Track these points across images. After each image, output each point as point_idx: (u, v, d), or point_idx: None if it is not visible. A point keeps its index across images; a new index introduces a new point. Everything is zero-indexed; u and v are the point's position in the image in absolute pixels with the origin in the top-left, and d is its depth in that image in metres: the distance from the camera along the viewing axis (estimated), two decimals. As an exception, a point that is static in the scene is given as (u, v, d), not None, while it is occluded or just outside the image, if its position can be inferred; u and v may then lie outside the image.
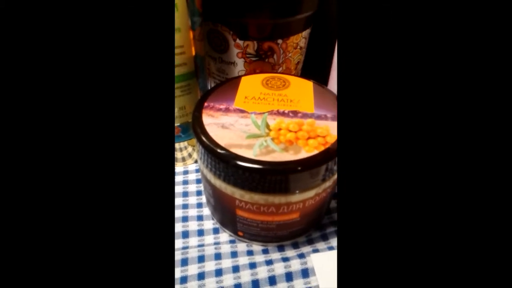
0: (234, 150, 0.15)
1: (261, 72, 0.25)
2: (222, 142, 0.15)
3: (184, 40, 0.18)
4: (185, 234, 0.20)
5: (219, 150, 0.15)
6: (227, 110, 0.18)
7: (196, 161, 0.26)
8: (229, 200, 0.17)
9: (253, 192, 0.16)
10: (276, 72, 0.25)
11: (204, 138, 0.16)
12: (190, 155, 0.25)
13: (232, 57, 0.23)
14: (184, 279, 0.18)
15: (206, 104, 0.18)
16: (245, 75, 0.21)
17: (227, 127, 0.16)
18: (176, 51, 0.18)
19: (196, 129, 0.16)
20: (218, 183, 0.17)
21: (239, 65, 0.24)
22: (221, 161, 0.15)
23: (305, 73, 0.29)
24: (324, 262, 0.18)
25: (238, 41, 0.22)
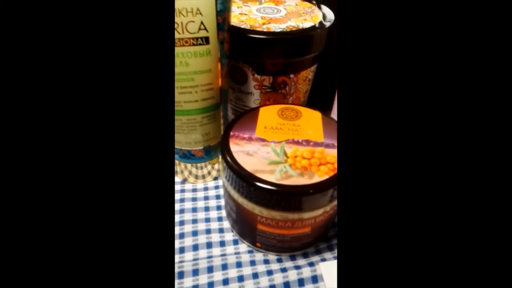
0: (259, 175, 0.18)
1: (274, 100, 0.28)
2: (248, 168, 0.18)
3: (214, 78, 0.21)
4: (209, 245, 0.23)
5: (246, 176, 0.18)
6: (250, 139, 0.21)
7: (215, 178, 0.29)
8: (251, 215, 0.20)
9: (273, 210, 0.19)
10: (288, 101, 0.28)
11: (233, 164, 0.19)
12: (209, 173, 0.28)
13: (250, 88, 0.26)
14: (211, 285, 0.20)
15: (231, 133, 0.21)
16: (262, 106, 0.24)
17: (251, 154, 0.19)
18: (206, 87, 0.22)
19: (226, 157, 0.19)
20: (241, 200, 0.20)
21: (255, 95, 0.27)
22: (248, 184, 0.18)
23: (311, 99, 0.32)
24: (331, 269, 0.21)
25: (256, 75, 0.25)
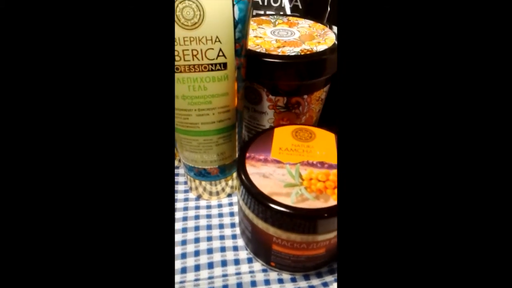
0: (275, 198, 0.19)
1: (288, 120, 0.29)
2: (265, 190, 0.19)
3: (230, 101, 0.22)
4: (224, 263, 0.23)
5: (263, 198, 0.19)
6: (265, 160, 0.21)
7: (229, 195, 0.29)
8: (266, 236, 0.20)
9: (289, 231, 0.19)
10: (301, 120, 0.29)
11: (250, 187, 0.19)
12: (223, 190, 0.29)
13: (264, 108, 0.27)
14: (226, 303, 0.21)
15: (248, 154, 0.22)
16: (277, 126, 0.24)
17: (268, 176, 0.20)
18: (223, 109, 0.22)
19: (243, 179, 0.20)
20: (256, 221, 0.20)
21: (269, 115, 0.28)
22: (265, 206, 0.18)
23: (323, 116, 0.33)
24: (345, 291, 0.22)
25: (270, 96, 0.26)
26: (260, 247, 0.22)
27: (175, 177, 0.31)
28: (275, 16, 0.33)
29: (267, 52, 0.24)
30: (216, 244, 0.25)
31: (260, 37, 0.27)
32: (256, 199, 0.19)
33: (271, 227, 0.19)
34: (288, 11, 0.39)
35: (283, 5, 0.39)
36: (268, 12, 0.38)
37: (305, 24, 0.31)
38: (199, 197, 0.29)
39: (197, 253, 0.24)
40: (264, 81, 0.25)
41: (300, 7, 0.39)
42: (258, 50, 0.25)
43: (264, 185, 0.19)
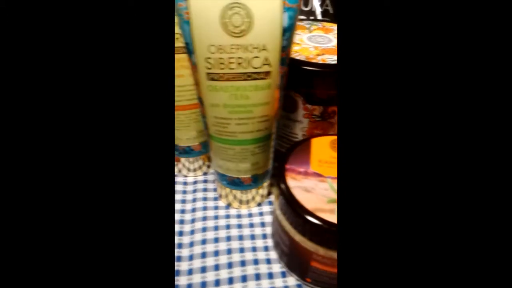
0: (319, 214, 0.18)
1: (322, 129, 0.28)
2: (308, 206, 0.18)
3: (271, 110, 0.21)
4: (257, 276, 0.23)
5: (307, 214, 0.18)
6: (306, 173, 0.20)
7: (259, 204, 0.29)
8: (305, 252, 0.20)
9: (332, 250, 0.18)
10: (334, 130, 0.28)
11: (292, 201, 0.19)
12: (253, 198, 0.28)
13: (299, 116, 0.26)
14: (262, 319, 0.20)
15: (287, 166, 0.21)
16: (313, 137, 0.24)
17: (310, 190, 0.19)
18: (263, 119, 0.22)
19: (284, 192, 0.19)
20: (298, 237, 0.19)
21: (304, 123, 0.27)
22: (308, 223, 0.18)
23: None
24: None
25: (307, 105, 0.25)
26: (297, 262, 0.21)
27: (205, 184, 0.30)
28: (309, 22, 0.32)
29: (307, 60, 0.23)
30: (248, 256, 0.24)
31: (297, 43, 0.26)
32: (299, 214, 0.18)
33: (312, 243, 0.19)
34: (319, 16, 0.38)
35: (313, 9, 0.38)
36: (300, 17, 0.38)
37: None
38: (228, 206, 0.28)
39: (229, 265, 0.23)
40: (301, 89, 0.25)
41: (331, 11, 0.38)
42: (297, 58, 0.24)
43: (307, 200, 0.19)
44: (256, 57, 0.19)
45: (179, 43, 0.22)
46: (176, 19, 0.19)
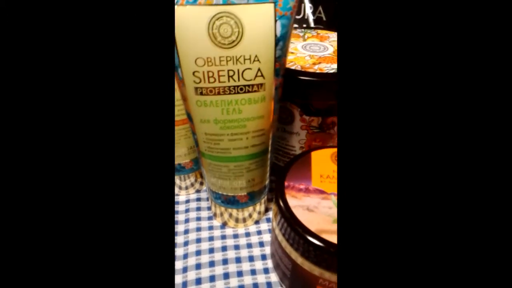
0: (324, 236, 0.16)
1: (320, 141, 0.27)
2: (312, 227, 0.17)
3: (266, 124, 0.20)
4: (258, 303, 0.21)
5: (311, 237, 0.16)
6: (307, 190, 0.19)
7: (256, 222, 0.27)
8: (309, 276, 0.18)
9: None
10: (335, 140, 0.27)
11: (294, 223, 0.17)
12: (250, 216, 0.27)
13: (296, 128, 0.25)
14: None
15: (286, 183, 0.20)
16: (313, 150, 0.22)
17: (312, 210, 0.18)
18: (258, 133, 0.20)
19: (284, 213, 0.18)
20: (300, 261, 0.18)
21: (301, 135, 0.26)
22: (313, 246, 0.16)
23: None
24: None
25: (304, 116, 0.24)
26: (300, 287, 0.20)
27: (198, 202, 0.28)
28: (303, 30, 0.31)
29: (303, 70, 0.22)
30: (247, 280, 0.22)
31: (292, 52, 0.25)
32: (302, 237, 0.17)
33: (317, 267, 0.17)
34: (312, 23, 0.37)
35: (306, 17, 0.37)
36: (291, 25, 0.37)
37: (336, 38, 0.29)
38: (224, 225, 0.27)
39: (227, 291, 0.21)
40: (298, 100, 0.23)
41: (324, 18, 0.37)
42: (292, 67, 0.23)
43: (310, 221, 0.17)
44: (248, 68, 0.17)
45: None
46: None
